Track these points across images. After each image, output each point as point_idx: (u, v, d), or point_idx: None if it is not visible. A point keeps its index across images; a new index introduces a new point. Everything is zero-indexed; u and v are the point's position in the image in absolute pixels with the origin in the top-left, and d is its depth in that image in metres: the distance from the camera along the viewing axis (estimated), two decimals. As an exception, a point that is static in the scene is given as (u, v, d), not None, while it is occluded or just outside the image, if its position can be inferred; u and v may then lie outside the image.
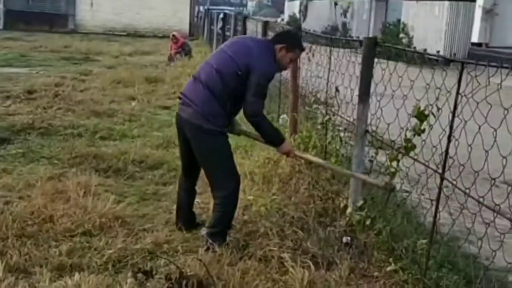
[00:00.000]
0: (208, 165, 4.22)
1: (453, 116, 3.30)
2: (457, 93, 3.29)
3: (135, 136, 7.64)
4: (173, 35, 15.67)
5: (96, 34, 26.56)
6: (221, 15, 15.79)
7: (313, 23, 37.64)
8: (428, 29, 21.41)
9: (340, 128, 5.73)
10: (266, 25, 9.14)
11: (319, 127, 5.89)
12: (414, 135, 3.95)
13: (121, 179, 5.82)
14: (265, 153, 6.59)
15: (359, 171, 4.66)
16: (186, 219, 4.57)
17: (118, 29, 28.76)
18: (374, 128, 4.65)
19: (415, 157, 3.96)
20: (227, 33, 15.10)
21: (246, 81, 3.98)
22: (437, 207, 3.53)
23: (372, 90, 4.53)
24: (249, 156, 6.52)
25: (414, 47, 4.72)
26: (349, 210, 4.67)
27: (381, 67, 4.37)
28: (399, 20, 24.18)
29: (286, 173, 5.96)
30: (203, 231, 4.34)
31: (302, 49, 4.45)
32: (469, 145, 3.18)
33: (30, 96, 9.63)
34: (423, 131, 3.90)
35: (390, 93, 4.23)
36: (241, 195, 5.31)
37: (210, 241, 4.12)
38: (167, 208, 5.07)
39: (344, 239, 4.44)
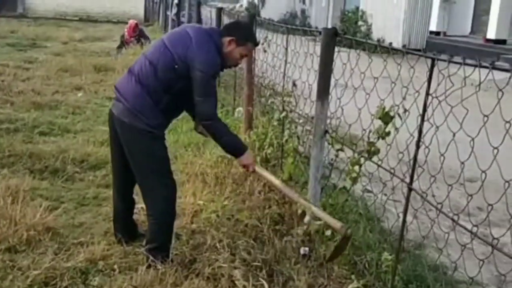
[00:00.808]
0: (138, 170, 3.67)
1: (422, 120, 2.91)
2: (427, 93, 2.90)
3: (78, 131, 7.08)
4: (136, 24, 14.54)
5: (46, 19, 25.47)
6: (176, 0, 15.16)
7: (271, 10, 37.13)
8: (387, 17, 21.17)
9: (299, 125, 5.30)
10: (220, 12, 8.60)
11: (275, 123, 5.46)
12: (378, 138, 3.56)
13: (58, 181, 5.29)
14: (218, 151, 6.15)
15: (318, 175, 4.26)
16: (125, 229, 4.07)
17: (69, 14, 27.71)
18: (335, 125, 4.26)
19: (380, 162, 3.58)
20: (182, 19, 14.53)
21: (186, 76, 3.50)
22: (404, 220, 3.15)
23: (332, 83, 4.13)
24: (202, 154, 6.05)
25: (374, 38, 4.30)
26: (307, 217, 4.27)
27: (340, 59, 3.95)
28: (357, 8, 23.90)
29: (240, 173, 5.53)
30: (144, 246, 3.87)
31: (255, 43, 3.93)
32: (442, 154, 2.80)
33: (-36, 86, 8.92)
34: (388, 134, 3.53)
35: (351, 85, 3.82)
36: (191, 199, 4.91)
37: (151, 257, 3.66)
38: (107, 215, 4.57)
39: (302, 251, 4.04)
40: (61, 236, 4.08)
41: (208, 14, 9.57)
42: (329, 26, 26.92)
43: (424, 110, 2.96)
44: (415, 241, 4.31)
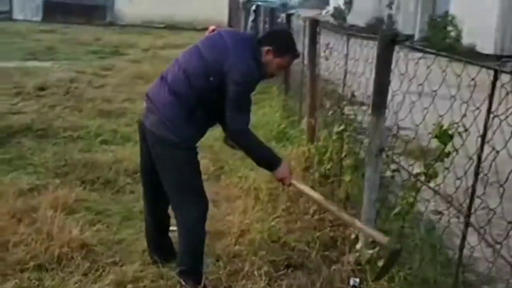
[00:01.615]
0: (168, 184, 3.44)
1: (482, 144, 2.46)
2: (488, 111, 2.45)
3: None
4: (213, 29, 14.63)
5: (133, 27, 26.09)
6: (253, 7, 14.98)
7: (358, 16, 36.39)
8: (478, 22, 20.06)
9: (357, 140, 4.88)
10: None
11: (334, 137, 5.07)
12: (436, 160, 3.12)
13: (108, 193, 5.16)
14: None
15: (372, 197, 3.84)
16: (160, 249, 3.82)
17: (156, 21, 28.24)
18: (392, 141, 3.83)
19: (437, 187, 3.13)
20: (265, 26, 14.24)
21: (221, 89, 3.24)
22: (460, 260, 2.70)
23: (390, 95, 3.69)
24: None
25: (464, 44, 3.80)
26: (359, 244, 3.87)
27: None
28: (447, 12, 22.84)
29: (296, 190, 5.18)
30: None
31: (295, 55, 3.58)
32: (501, 185, 2.34)
33: (40, 93, 9.08)
34: (448, 155, 3.08)
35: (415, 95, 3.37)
36: (240, 216, 4.62)
37: (182, 281, 3.39)
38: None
39: (352, 281, 3.64)
40: (96, 254, 3.88)
41: (295, 23, 9.07)
42: (417, 32, 26.05)
43: (485, 131, 2.50)
44: (484, 273, 3.79)
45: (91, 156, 5.97)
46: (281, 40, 3.48)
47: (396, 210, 3.57)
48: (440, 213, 3.35)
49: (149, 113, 3.40)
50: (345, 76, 4.85)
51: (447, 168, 2.96)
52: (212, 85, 3.25)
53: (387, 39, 3.61)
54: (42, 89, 9.24)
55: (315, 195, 3.56)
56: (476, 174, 2.60)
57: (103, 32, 21.19)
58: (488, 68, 2.49)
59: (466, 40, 19.97)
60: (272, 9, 9.90)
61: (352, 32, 4.66)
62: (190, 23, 28.36)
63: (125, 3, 28.29)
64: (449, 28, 21.88)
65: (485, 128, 2.48)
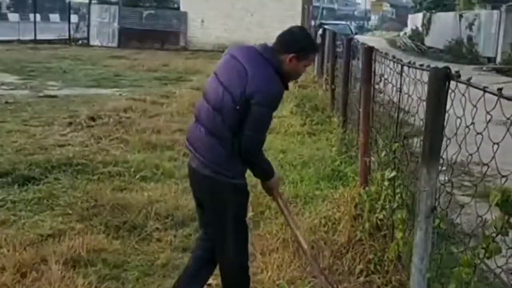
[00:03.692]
0: (216, 228, 3.31)
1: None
2: None
3: (182, 176, 6.46)
4: None
5: (204, 51, 26.18)
6: (320, 32, 14.43)
7: (436, 37, 35.13)
8: None
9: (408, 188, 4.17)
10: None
11: (386, 183, 4.38)
12: (497, 234, 2.41)
13: (133, 241, 4.67)
14: (324, 209, 5.19)
15: (422, 267, 3.13)
16: None
17: (228, 46, 28.17)
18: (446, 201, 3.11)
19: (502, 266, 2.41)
20: (338, 50, 13.62)
21: (248, 112, 3.06)
22: None
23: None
24: (301, 213, 5.12)
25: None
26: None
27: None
28: (532, 33, 21.44)
29: (342, 243, 4.52)
30: None
31: (316, 50, 3.39)
32: None
33: (91, 123, 8.83)
34: (512, 226, 2.36)
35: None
36: (274, 273, 4.03)
37: None
38: (170, 290, 3.85)
39: None
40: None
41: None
42: (499, 55, 24.59)
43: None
44: None
45: (123, 196, 5.53)
46: (300, 43, 3.23)
47: (450, 289, 2.85)
48: None
49: (193, 157, 3.25)
50: (398, 113, 4.17)
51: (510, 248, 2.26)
52: (241, 112, 3.05)
53: (439, 74, 2.93)
54: (93, 119, 8.98)
55: (292, 224, 3.46)
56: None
57: (172, 57, 21.24)
58: None
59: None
60: (334, 34, 9.23)
61: (405, 63, 3.99)
62: (261, 47, 28.07)
63: (197, 28, 28.48)
64: (535, 50, 20.48)
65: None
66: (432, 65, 3.20)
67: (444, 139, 2.99)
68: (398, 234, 3.97)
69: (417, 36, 40.25)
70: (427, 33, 38.03)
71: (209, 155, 3.14)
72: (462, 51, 29.12)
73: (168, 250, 4.56)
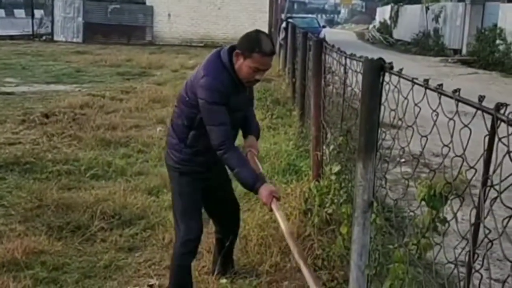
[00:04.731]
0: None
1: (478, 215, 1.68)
2: (483, 184, 1.66)
3: (134, 174, 6.32)
4: None
5: (171, 46, 25.88)
6: (283, 25, 14.31)
7: (403, 30, 35.33)
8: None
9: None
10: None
11: (332, 177, 4.30)
12: (427, 230, 2.33)
13: (75, 242, 4.52)
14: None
15: (361, 263, 3.05)
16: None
17: (195, 40, 27.98)
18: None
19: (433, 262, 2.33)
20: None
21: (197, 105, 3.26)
22: None
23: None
24: (254, 207, 5.02)
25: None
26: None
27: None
28: (495, 25, 21.62)
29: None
30: None
31: (263, 53, 3.19)
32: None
33: (45, 120, 8.58)
34: (444, 221, 2.29)
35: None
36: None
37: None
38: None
39: None
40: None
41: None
42: (464, 46, 24.83)
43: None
44: None
45: (70, 196, 5.35)
46: (247, 39, 3.23)
47: (385, 286, 2.78)
48: None
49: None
50: (343, 106, 4.10)
51: (438, 244, 2.17)
52: (189, 105, 3.27)
53: (373, 66, 2.84)
54: (47, 116, 8.74)
55: (284, 227, 3.26)
56: (470, 261, 1.81)
57: (137, 52, 20.91)
58: (484, 111, 1.71)
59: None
60: (305, 32, 9.01)
61: (347, 55, 3.90)
62: (229, 41, 27.83)
63: (164, 22, 28.15)
64: (498, 41, 20.68)
65: (483, 195, 1.69)
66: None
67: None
68: (343, 229, 3.90)
69: (385, 29, 40.48)
70: (395, 25, 38.26)
71: (169, 140, 3.52)
72: (429, 43, 29.35)
73: (113, 251, 4.41)
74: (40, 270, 3.99)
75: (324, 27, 32.32)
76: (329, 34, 28.42)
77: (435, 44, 28.45)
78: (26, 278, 3.79)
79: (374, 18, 53.52)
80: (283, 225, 3.28)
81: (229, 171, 3.54)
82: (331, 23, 69.83)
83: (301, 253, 3.17)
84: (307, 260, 3.60)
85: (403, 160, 5.79)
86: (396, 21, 37.97)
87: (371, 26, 50.02)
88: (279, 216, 3.30)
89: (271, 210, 3.33)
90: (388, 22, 40.41)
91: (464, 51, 24.82)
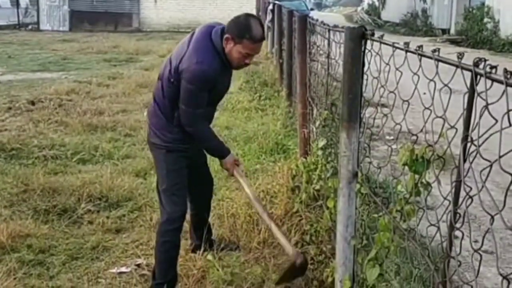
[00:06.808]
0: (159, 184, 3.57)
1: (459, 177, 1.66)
2: (463, 140, 1.64)
3: (121, 157, 6.27)
4: None
5: (159, 32, 25.71)
6: (270, 7, 14.21)
7: (392, 11, 35.24)
8: (517, 12, 18.82)
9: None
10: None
11: (319, 153, 4.27)
12: (410, 195, 2.31)
13: (62, 225, 4.48)
14: (263, 182, 5.08)
15: (347, 234, 3.04)
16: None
17: (183, 26, 27.72)
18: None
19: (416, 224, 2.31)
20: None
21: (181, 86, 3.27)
22: None
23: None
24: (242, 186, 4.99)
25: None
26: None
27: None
28: (483, 4, 21.59)
29: (279, 215, 4.42)
30: None
31: (253, 40, 3.19)
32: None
33: (31, 107, 8.51)
34: (427, 186, 2.27)
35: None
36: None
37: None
38: (96, 274, 3.70)
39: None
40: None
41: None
42: (452, 25, 24.80)
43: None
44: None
45: (56, 180, 5.31)
46: (238, 24, 3.20)
47: (371, 255, 2.77)
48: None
49: (149, 130, 3.53)
50: (327, 80, 4.06)
51: (420, 208, 2.16)
52: (175, 86, 3.23)
53: (354, 34, 2.81)
54: (33, 103, 8.66)
55: (249, 192, 3.61)
56: (453, 223, 1.80)
57: (124, 39, 20.76)
58: (463, 68, 1.68)
59: (503, 32, 18.74)
60: (291, 11, 8.99)
61: (332, 28, 3.87)
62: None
63: (150, 9, 27.92)
64: (486, 20, 20.66)
65: (464, 151, 1.67)
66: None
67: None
68: (330, 203, 3.88)
69: (373, 10, 40.36)
70: (383, 7, 38.14)
71: (153, 121, 3.43)
72: (417, 23, 29.31)
73: (100, 232, 4.38)
74: (26, 253, 3.95)
75: (312, 9, 32.18)
76: (317, 17, 28.28)
77: (424, 24, 28.41)
78: (12, 261, 3.76)
79: (362, 0, 53.28)
80: (248, 190, 3.61)
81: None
82: (320, 6, 69.42)
83: (269, 216, 3.63)
84: (278, 225, 3.89)
85: (391, 137, 5.81)
86: (384, 2, 37.83)
87: (359, 8, 49.81)
88: (243, 181, 3.65)
89: (232, 175, 3.66)
90: (377, 3, 40.27)
91: (452, 30, 24.79)
